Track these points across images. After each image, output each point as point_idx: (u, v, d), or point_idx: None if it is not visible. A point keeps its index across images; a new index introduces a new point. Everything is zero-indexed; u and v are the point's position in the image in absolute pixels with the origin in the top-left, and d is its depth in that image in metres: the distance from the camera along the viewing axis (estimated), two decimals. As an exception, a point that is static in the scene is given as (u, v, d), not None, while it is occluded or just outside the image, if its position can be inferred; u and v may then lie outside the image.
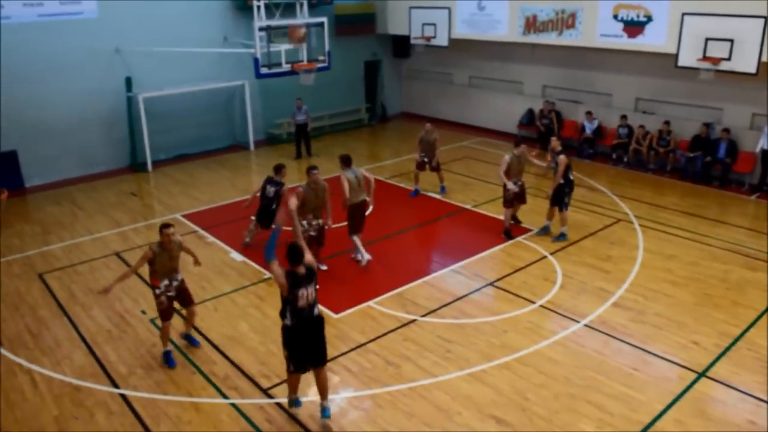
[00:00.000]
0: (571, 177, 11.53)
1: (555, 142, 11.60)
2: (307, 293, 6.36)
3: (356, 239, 10.83)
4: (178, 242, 7.99)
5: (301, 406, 7.03)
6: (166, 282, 7.97)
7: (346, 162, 10.62)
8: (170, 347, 8.33)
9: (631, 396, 7.39)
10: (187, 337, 8.67)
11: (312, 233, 10.04)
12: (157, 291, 7.97)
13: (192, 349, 8.48)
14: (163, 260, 7.84)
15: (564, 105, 18.39)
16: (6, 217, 12.77)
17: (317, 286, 6.58)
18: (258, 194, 11.41)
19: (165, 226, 7.88)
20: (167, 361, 8.20)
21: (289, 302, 6.35)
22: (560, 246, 11.50)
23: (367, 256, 10.75)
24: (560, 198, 11.56)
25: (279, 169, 11.20)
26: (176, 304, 8.30)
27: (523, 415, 7.09)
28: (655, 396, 7.39)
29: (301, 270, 6.35)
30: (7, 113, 14.85)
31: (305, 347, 6.58)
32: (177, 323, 8.62)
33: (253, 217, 11.63)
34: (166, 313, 8.06)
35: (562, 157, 11.33)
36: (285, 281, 6.26)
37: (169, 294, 8.04)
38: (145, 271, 10.39)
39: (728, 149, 14.69)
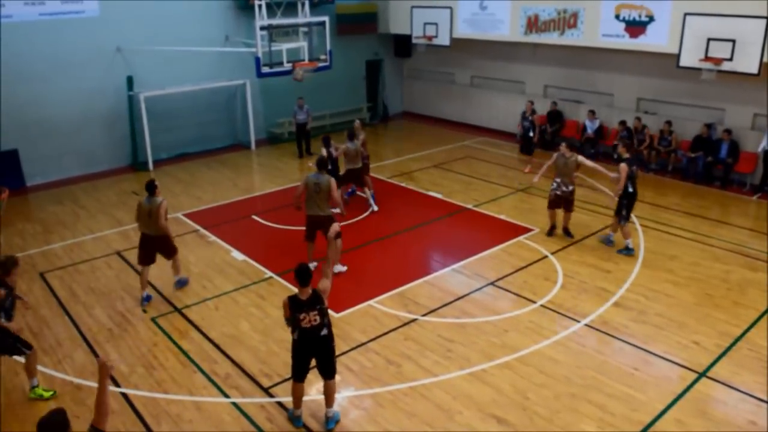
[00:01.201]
0: (631, 188, 10.90)
1: (621, 148, 11.10)
2: (309, 317, 6.43)
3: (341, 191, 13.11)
4: None
5: (302, 425, 6.97)
6: None
7: (348, 135, 13.39)
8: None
9: (631, 396, 7.39)
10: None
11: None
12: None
13: (193, 349, 8.49)
14: None
15: (566, 105, 18.38)
16: (7, 216, 12.78)
17: (325, 312, 6.57)
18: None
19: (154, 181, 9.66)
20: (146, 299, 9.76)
21: (292, 322, 6.50)
22: (561, 245, 11.50)
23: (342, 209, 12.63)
24: (618, 209, 11.12)
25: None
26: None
27: (524, 415, 7.09)
28: (656, 396, 7.39)
29: (305, 295, 6.44)
30: (9, 112, 14.87)
31: (307, 360, 6.72)
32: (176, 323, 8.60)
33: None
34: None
35: (622, 165, 10.75)
36: (287, 309, 6.51)
37: None
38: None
39: (730, 149, 14.69)
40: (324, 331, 6.56)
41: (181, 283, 10.21)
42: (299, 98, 17.56)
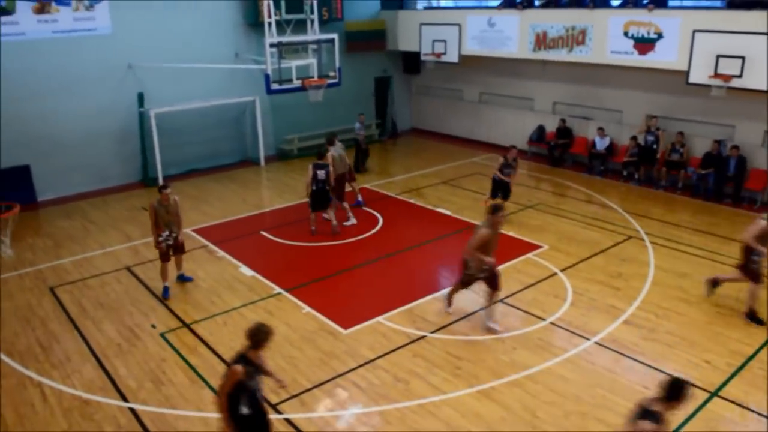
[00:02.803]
0: None
1: None
2: None
3: (345, 204, 13.58)
4: (174, 200, 10.19)
5: None
6: (166, 233, 10.20)
7: (330, 141, 13.48)
8: (168, 284, 10.46)
9: (642, 415, 7.31)
10: (180, 276, 10.89)
11: (169, 242, 10.38)
12: (160, 239, 10.19)
13: (201, 365, 8.48)
14: (161, 214, 10.10)
15: (575, 121, 18.38)
16: (18, 231, 12.88)
17: None
18: (310, 182, 12.63)
19: (163, 186, 10.20)
20: (164, 293, 10.35)
21: None
22: (571, 263, 11.44)
23: (353, 221, 13.51)
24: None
25: (322, 155, 12.89)
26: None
27: (533, 434, 7.04)
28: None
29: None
30: (21, 128, 15.02)
31: None
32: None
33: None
34: (164, 256, 10.34)
35: None
36: None
37: (168, 242, 10.27)
38: (155, 285, 10.49)
39: (737, 165, 14.64)
40: None
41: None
42: (360, 114, 17.99)
